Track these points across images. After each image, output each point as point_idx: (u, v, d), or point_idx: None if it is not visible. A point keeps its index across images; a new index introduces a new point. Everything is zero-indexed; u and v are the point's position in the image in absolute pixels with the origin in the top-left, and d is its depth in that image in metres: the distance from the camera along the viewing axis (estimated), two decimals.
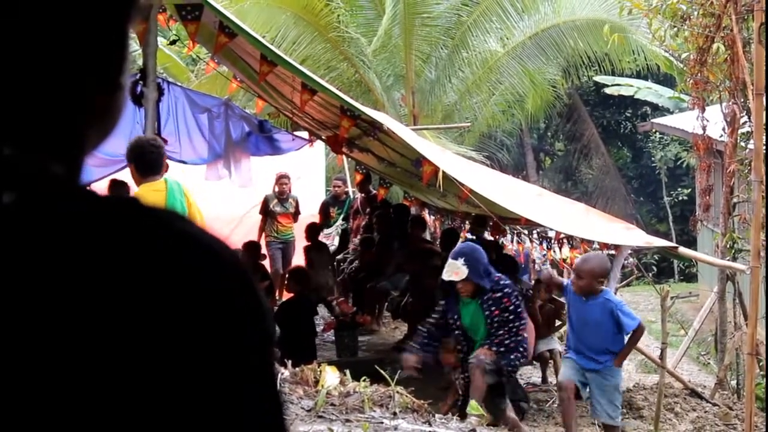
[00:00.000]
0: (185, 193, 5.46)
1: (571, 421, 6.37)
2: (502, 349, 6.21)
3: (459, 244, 7.18)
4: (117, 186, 7.45)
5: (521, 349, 6.36)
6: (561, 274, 13.97)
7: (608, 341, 6.26)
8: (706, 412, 7.33)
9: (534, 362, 8.50)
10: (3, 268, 0.62)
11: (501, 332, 6.22)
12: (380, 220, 10.26)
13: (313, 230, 10.79)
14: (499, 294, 6.18)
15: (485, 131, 18.96)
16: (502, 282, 6.24)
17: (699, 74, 8.37)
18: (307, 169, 12.65)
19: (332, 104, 8.02)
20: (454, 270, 6.17)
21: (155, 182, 5.33)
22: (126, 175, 8.27)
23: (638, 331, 6.39)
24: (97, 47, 0.72)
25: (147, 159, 5.30)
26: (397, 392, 4.80)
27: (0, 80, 0.67)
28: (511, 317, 6.22)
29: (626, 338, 6.37)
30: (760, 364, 7.41)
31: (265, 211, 11.21)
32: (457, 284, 6.19)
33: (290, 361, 5.15)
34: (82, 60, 0.70)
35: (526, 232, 12.17)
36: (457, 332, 6.49)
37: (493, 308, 6.19)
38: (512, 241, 12.50)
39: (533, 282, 9.02)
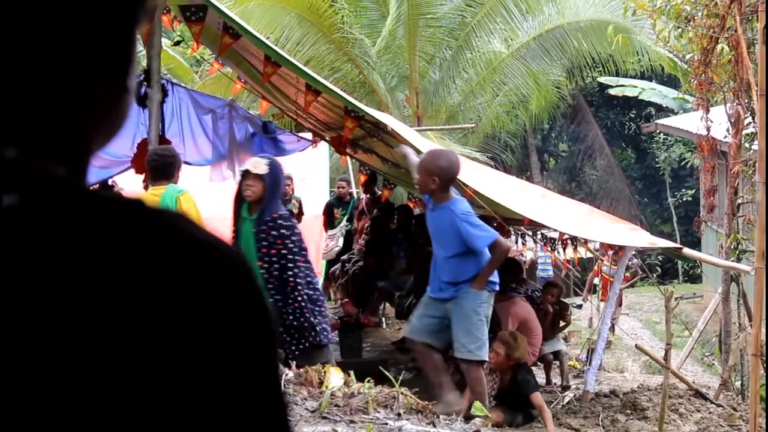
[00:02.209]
0: (178, 198, 5.79)
1: (431, 371, 5.87)
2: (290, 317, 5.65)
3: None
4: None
5: (311, 320, 5.71)
6: (567, 276, 14.03)
7: (459, 263, 5.81)
8: (710, 413, 7.31)
9: (538, 363, 8.50)
10: (4, 271, 0.62)
11: (280, 288, 5.65)
12: (374, 224, 10.25)
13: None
14: (275, 233, 5.65)
15: (489, 132, 18.98)
16: (282, 221, 5.70)
17: (703, 75, 8.35)
18: (311, 170, 12.65)
19: (336, 105, 8.03)
20: (255, 163, 5.74)
21: (158, 188, 5.85)
22: (129, 177, 8.33)
23: (497, 249, 5.88)
24: (104, 49, 0.72)
25: (150, 167, 5.96)
26: (402, 393, 4.80)
27: (4, 81, 0.67)
28: (284, 263, 5.64)
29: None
30: (765, 365, 7.40)
31: None
32: (247, 180, 5.70)
33: (294, 363, 5.15)
34: (89, 61, 0.71)
35: (530, 233, 12.18)
36: None
37: (265, 244, 5.66)
38: (516, 243, 12.51)
39: (542, 286, 9.03)
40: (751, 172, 7.89)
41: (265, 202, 5.69)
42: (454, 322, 5.93)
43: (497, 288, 6.11)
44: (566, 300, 10.43)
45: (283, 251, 5.66)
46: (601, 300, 14.75)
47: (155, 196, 5.76)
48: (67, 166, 0.70)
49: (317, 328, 5.74)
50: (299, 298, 5.68)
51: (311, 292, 5.77)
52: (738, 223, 8.58)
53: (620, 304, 13.86)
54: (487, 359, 6.11)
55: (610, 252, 9.97)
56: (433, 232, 6.00)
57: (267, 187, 5.68)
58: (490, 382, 6.67)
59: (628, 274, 12.57)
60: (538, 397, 6.52)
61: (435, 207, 5.91)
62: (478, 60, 15.96)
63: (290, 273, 5.67)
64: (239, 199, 5.83)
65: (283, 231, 5.67)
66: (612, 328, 12.89)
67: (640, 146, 27.07)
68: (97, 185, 7.75)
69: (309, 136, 11.34)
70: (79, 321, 0.62)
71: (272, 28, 14.30)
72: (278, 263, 5.66)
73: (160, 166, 5.92)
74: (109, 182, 9.17)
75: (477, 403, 5.74)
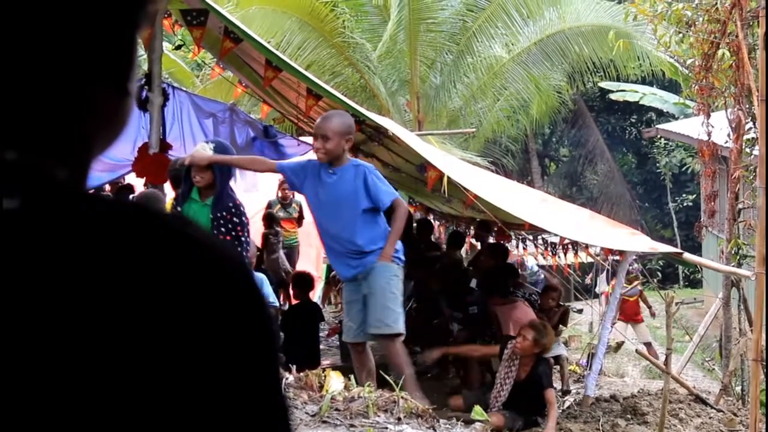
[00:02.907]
0: None
1: (362, 374, 5.62)
2: None
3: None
4: (123, 190, 7.68)
5: None
6: (567, 280, 14.02)
7: (362, 225, 5.59)
8: (710, 418, 7.31)
9: None
10: (5, 274, 0.62)
11: None
12: None
13: (270, 219, 10.89)
14: (236, 220, 5.59)
15: (490, 137, 18.97)
16: (243, 208, 5.67)
17: (704, 80, 8.36)
18: None
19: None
20: (202, 149, 5.63)
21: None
22: (131, 180, 8.34)
23: (398, 208, 5.68)
24: (106, 53, 0.72)
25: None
26: (402, 397, 4.79)
27: (6, 84, 0.68)
28: (241, 249, 5.57)
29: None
30: (765, 370, 7.39)
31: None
32: (194, 170, 5.60)
33: (294, 366, 5.15)
34: (90, 65, 0.71)
35: (530, 237, 12.18)
36: None
37: (223, 231, 5.56)
38: (517, 247, 12.51)
39: (541, 290, 9.03)
40: (751, 177, 7.90)
41: (218, 188, 5.62)
42: (370, 299, 5.68)
43: (403, 259, 5.89)
44: (566, 304, 10.43)
45: (242, 237, 5.65)
46: (620, 319, 14.70)
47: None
48: (68, 169, 0.70)
49: None
50: None
51: None
52: (739, 228, 8.59)
53: (641, 320, 13.72)
54: (403, 332, 5.78)
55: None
56: (334, 199, 5.64)
57: (216, 173, 5.61)
58: (506, 369, 6.64)
59: (633, 278, 12.50)
60: (551, 394, 6.51)
61: (335, 170, 5.60)
62: (479, 65, 15.98)
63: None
64: (187, 180, 5.73)
65: (243, 219, 5.67)
66: (649, 345, 12.79)
67: (640, 151, 27.08)
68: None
69: (310, 140, 11.33)
70: (80, 323, 0.62)
71: (273, 33, 14.33)
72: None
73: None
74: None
75: (477, 408, 5.73)
